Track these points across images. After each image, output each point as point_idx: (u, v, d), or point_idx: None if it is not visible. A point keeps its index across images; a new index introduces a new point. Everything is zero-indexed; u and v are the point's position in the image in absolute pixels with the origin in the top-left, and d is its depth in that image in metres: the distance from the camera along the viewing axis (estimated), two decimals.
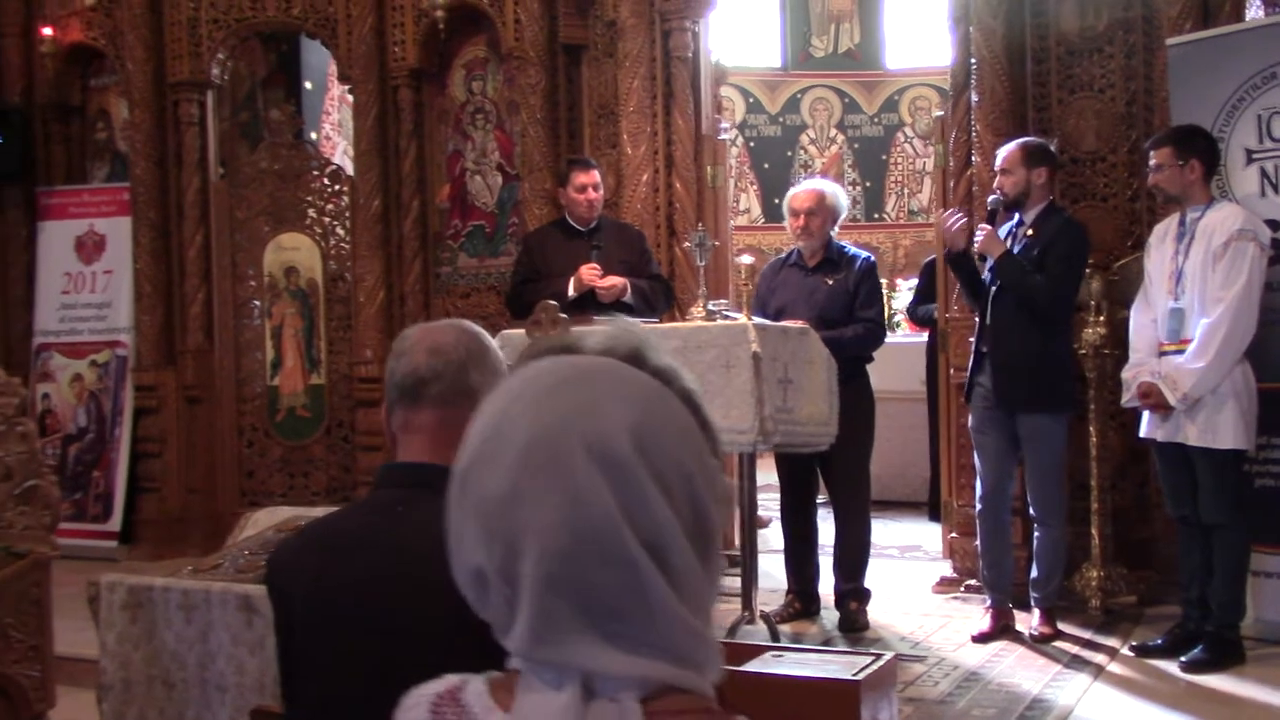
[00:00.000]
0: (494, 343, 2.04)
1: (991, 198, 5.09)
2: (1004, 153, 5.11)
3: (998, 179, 5.10)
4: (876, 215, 12.29)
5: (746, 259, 4.99)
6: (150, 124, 7.56)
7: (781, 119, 12.33)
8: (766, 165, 12.25)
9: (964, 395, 5.29)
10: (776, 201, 12.73)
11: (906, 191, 12.45)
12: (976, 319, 5.25)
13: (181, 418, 7.55)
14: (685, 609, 0.95)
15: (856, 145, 12.41)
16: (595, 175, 5.80)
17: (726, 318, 4.78)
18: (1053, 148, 5.25)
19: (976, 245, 5.06)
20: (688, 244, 5.38)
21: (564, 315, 2.99)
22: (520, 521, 0.94)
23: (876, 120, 12.45)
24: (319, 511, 3.56)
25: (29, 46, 8.07)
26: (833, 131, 12.42)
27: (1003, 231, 5.09)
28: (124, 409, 7.61)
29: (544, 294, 5.40)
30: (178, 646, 2.82)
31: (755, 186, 12.10)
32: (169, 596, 2.84)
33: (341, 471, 7.70)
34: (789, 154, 12.35)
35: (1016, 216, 5.09)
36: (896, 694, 3.28)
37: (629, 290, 5.52)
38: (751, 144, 11.74)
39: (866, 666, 2.81)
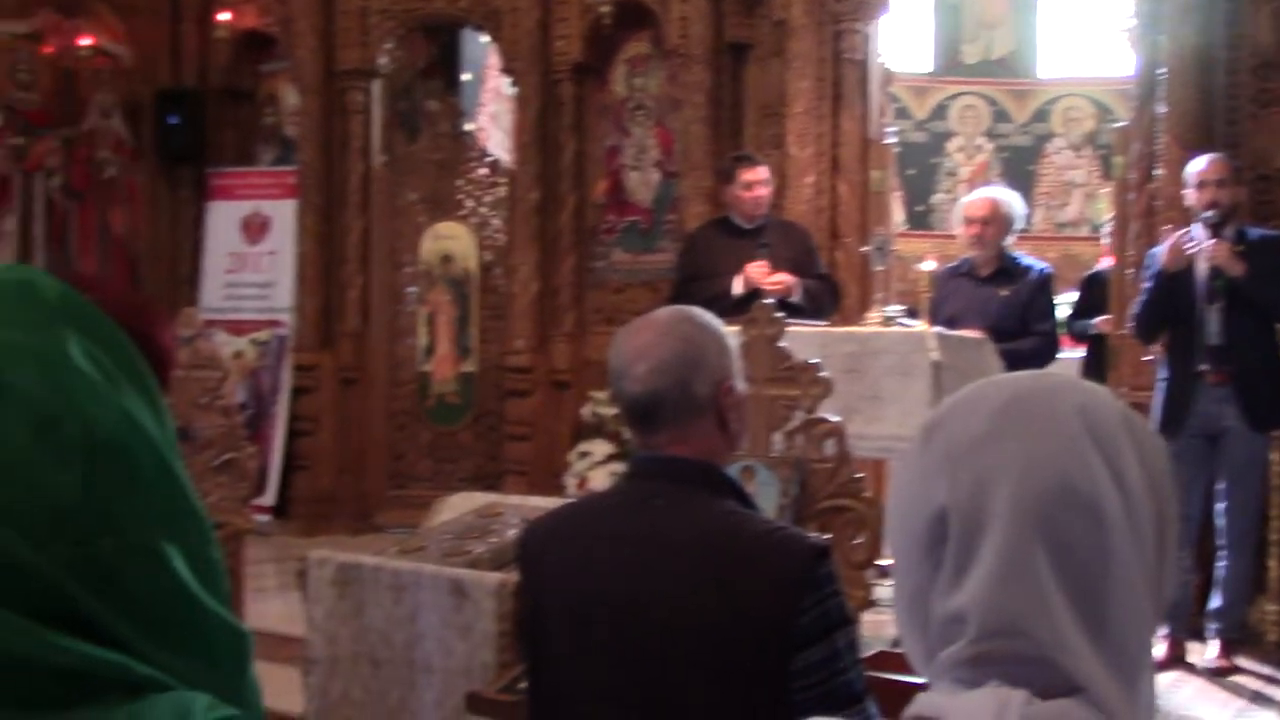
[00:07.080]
0: (715, 327, 1.95)
1: (1211, 211, 4.84)
2: (1212, 165, 4.87)
3: (1212, 192, 4.80)
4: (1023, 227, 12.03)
5: (928, 265, 4.91)
6: (319, 111, 7.72)
7: (928, 125, 12.13)
8: (911, 172, 12.05)
9: (1164, 425, 4.89)
10: (919, 209, 12.60)
11: (1054, 204, 12.15)
12: (1167, 340, 5.01)
13: (336, 398, 7.69)
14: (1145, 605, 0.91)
15: (1005, 154, 12.15)
16: (762, 172, 5.73)
17: (903, 324, 4.71)
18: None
19: (1214, 261, 4.74)
20: (865, 248, 5.30)
21: (779, 316, 2.95)
22: (997, 456, 0.92)
23: (1026, 130, 12.18)
24: (515, 500, 3.58)
25: (205, 31, 8.30)
26: (980, 140, 12.18)
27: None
28: (282, 387, 7.79)
29: (710, 291, 5.34)
30: (385, 626, 2.85)
31: (899, 192, 11.91)
32: (379, 576, 2.87)
33: (488, 460, 7.78)
34: (934, 161, 12.14)
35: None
36: None
37: (797, 289, 5.46)
38: (897, 150, 11.55)
39: None
